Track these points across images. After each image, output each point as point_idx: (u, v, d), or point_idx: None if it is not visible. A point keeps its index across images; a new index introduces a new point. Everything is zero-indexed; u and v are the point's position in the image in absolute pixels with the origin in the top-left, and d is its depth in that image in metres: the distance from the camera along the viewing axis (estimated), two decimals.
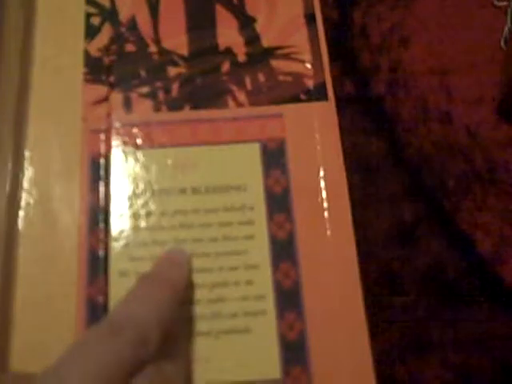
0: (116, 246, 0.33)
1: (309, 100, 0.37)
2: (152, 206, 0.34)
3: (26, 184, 0.35)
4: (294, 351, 0.32)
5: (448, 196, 0.36)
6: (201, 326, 0.32)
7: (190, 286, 0.33)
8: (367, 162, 0.37)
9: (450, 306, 0.34)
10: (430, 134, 0.37)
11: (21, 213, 0.34)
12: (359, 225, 0.34)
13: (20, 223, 0.34)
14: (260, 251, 0.33)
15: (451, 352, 0.33)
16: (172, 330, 0.29)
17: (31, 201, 0.34)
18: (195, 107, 0.36)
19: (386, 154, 0.37)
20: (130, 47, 0.38)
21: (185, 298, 0.32)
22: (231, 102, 0.37)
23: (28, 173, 0.35)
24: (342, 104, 0.36)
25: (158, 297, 0.29)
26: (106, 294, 0.32)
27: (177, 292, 0.30)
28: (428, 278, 0.34)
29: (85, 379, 0.24)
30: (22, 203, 0.34)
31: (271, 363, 0.31)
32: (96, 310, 0.32)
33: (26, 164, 0.35)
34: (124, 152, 0.35)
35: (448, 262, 0.35)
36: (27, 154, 0.35)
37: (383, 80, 0.39)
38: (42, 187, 0.35)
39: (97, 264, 0.33)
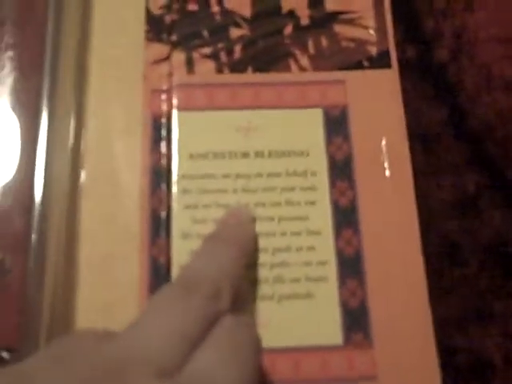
0: (178, 207, 0.33)
1: (372, 67, 0.36)
2: (214, 169, 0.34)
3: (88, 142, 0.35)
4: (355, 318, 0.32)
5: None
6: (263, 290, 0.32)
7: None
8: (428, 130, 0.36)
9: None
10: (494, 104, 0.37)
11: (83, 170, 0.34)
12: (420, 195, 0.34)
13: (83, 181, 0.34)
14: (322, 217, 0.33)
15: None
16: (241, 290, 0.30)
17: (93, 159, 0.34)
18: (258, 70, 0.36)
19: (448, 123, 0.37)
20: (191, 6, 0.37)
21: (251, 259, 0.32)
22: (294, 66, 0.36)
23: (90, 130, 0.35)
24: (403, 70, 0.36)
25: (227, 255, 0.29)
26: (168, 255, 0.33)
27: (245, 251, 0.31)
28: (490, 250, 0.34)
29: (167, 337, 0.24)
30: (85, 161, 0.34)
31: (333, 329, 0.32)
32: (158, 270, 0.32)
33: (88, 121, 0.35)
34: (186, 113, 0.35)
35: (510, 235, 0.35)
36: (89, 111, 0.35)
37: (446, 46, 0.38)
38: (103, 145, 0.35)
39: (159, 225, 0.33)
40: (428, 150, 0.36)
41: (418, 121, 0.36)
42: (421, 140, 0.36)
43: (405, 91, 0.36)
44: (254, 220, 0.33)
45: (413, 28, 0.39)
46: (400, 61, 0.36)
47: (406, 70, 0.36)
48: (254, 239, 0.33)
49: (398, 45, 0.37)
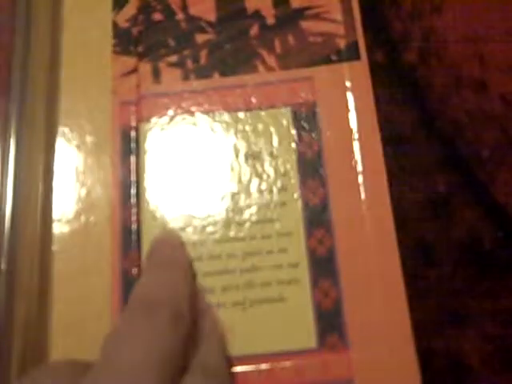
0: (148, 218, 0.33)
1: (340, 60, 0.35)
2: (185, 178, 0.34)
3: (58, 158, 0.35)
4: (329, 319, 0.31)
5: (482, 166, 0.35)
6: (233, 296, 0.32)
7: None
8: (399, 133, 0.36)
9: (487, 277, 0.33)
10: (463, 104, 0.36)
11: (55, 186, 0.34)
12: (392, 197, 0.33)
13: (54, 196, 0.34)
14: (293, 218, 0.33)
15: (490, 324, 0.32)
16: (199, 308, 0.30)
17: (64, 174, 0.34)
18: (224, 74, 0.36)
19: (419, 125, 0.36)
20: (157, 16, 0.37)
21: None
22: (261, 67, 0.36)
23: (60, 147, 0.35)
24: (372, 73, 0.35)
25: (175, 279, 0.29)
26: (139, 267, 0.32)
27: (187, 272, 0.31)
28: (463, 250, 0.33)
29: (140, 368, 0.24)
30: (56, 176, 0.34)
31: (306, 332, 0.31)
32: (131, 282, 0.32)
33: (59, 138, 0.35)
34: (154, 123, 0.35)
35: (484, 233, 0.34)
36: (59, 128, 0.35)
37: (415, 48, 0.37)
38: (74, 161, 0.35)
39: (130, 237, 0.33)
40: (399, 153, 0.36)
41: (388, 124, 0.35)
42: (392, 143, 0.35)
43: (374, 95, 0.35)
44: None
45: (381, 32, 0.38)
46: (369, 65, 0.35)
47: (375, 74, 0.36)
48: (190, 262, 0.32)
49: (366, 49, 0.36)
